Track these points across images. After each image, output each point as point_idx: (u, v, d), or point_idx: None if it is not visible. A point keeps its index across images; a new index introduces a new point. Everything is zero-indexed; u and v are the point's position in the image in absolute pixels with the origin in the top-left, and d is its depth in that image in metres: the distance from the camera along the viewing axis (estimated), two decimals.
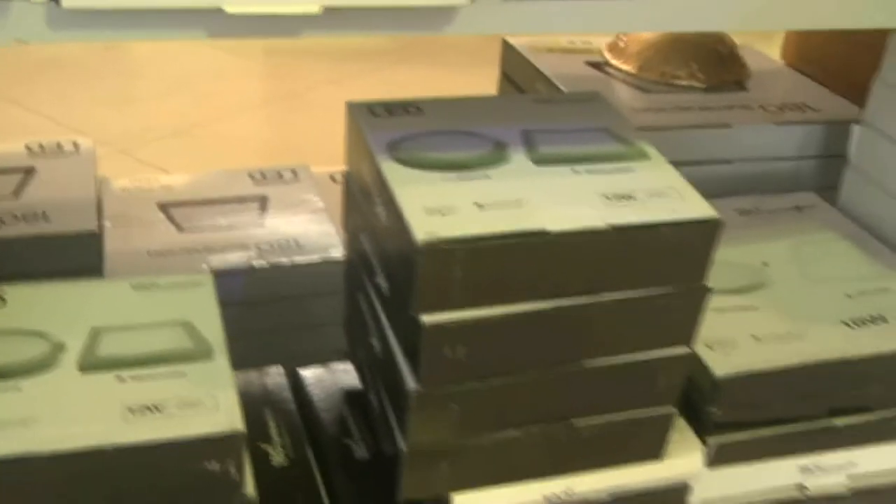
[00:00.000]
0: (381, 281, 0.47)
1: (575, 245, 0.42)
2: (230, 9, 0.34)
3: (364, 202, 0.49)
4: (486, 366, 0.44)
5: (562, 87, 0.71)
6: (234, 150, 1.28)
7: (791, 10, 0.42)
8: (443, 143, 0.47)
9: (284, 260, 0.67)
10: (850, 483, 0.56)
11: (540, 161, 0.46)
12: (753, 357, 0.51)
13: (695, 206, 0.44)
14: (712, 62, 0.75)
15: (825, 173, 0.71)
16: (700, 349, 0.51)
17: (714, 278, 0.57)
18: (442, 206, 0.42)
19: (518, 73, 0.78)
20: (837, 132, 0.69)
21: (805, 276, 0.59)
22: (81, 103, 1.39)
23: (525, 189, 0.44)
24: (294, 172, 0.79)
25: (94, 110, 1.37)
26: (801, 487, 0.56)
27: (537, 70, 0.74)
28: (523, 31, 0.38)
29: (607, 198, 0.44)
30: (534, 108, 0.52)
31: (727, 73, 0.76)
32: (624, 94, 0.73)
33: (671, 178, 0.46)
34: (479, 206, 0.42)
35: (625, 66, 0.76)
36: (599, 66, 0.77)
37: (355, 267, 0.53)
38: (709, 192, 0.68)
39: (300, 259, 0.67)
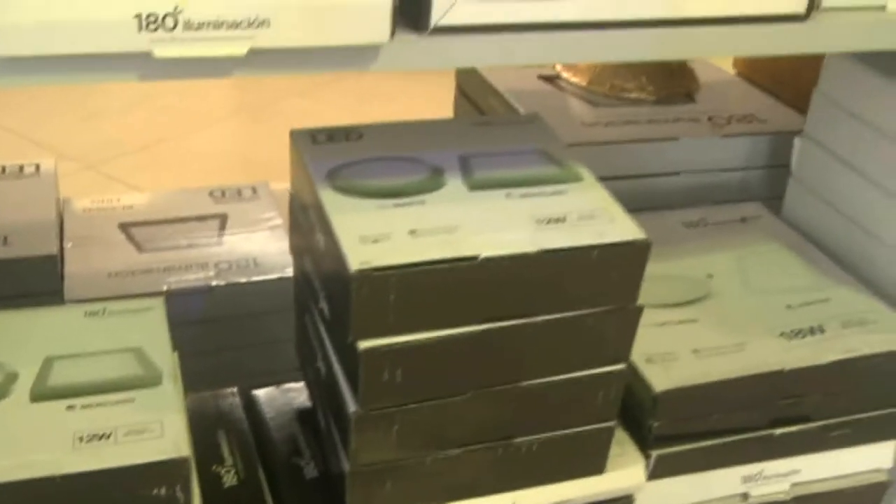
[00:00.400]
0: (324, 305, 0.48)
1: (506, 269, 0.44)
2: (159, 53, 0.36)
3: (306, 227, 0.50)
4: (424, 388, 0.45)
5: (513, 103, 0.73)
6: (201, 164, 1.29)
7: (719, 39, 0.44)
8: (381, 170, 0.48)
9: (242, 279, 0.68)
10: (793, 491, 0.58)
11: (475, 186, 0.48)
12: (693, 371, 0.53)
13: (624, 228, 0.46)
14: (662, 75, 0.77)
15: (772, 184, 0.73)
16: (641, 364, 0.53)
17: (657, 292, 0.59)
18: (377, 234, 0.43)
19: (471, 86, 0.80)
20: (784, 143, 0.71)
21: (748, 287, 0.60)
22: (47, 117, 1.40)
23: (459, 215, 0.45)
24: (254, 190, 0.81)
25: (59, 124, 1.38)
26: (745, 496, 0.57)
27: (489, 85, 0.76)
28: (443, 65, 0.39)
29: (539, 221, 0.46)
30: (472, 131, 0.53)
31: (677, 85, 0.77)
32: (574, 108, 0.74)
33: (602, 200, 0.48)
34: (413, 233, 0.44)
35: (576, 80, 0.77)
36: (552, 79, 0.78)
37: (302, 289, 0.54)
38: (656, 204, 0.71)
39: (257, 278, 0.69)
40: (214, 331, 0.69)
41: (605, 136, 0.70)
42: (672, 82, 0.77)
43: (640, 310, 0.47)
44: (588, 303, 0.46)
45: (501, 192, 0.48)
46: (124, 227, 0.75)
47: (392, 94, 1.47)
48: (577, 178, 0.50)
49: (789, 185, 0.70)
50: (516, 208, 0.46)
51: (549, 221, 0.46)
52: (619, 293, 0.46)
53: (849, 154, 0.64)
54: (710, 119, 0.74)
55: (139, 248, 0.72)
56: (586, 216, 0.46)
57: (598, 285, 0.46)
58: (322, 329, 0.50)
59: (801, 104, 0.73)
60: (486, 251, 0.43)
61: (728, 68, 0.86)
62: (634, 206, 0.68)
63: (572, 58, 0.40)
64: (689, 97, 0.77)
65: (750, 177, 0.73)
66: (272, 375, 0.64)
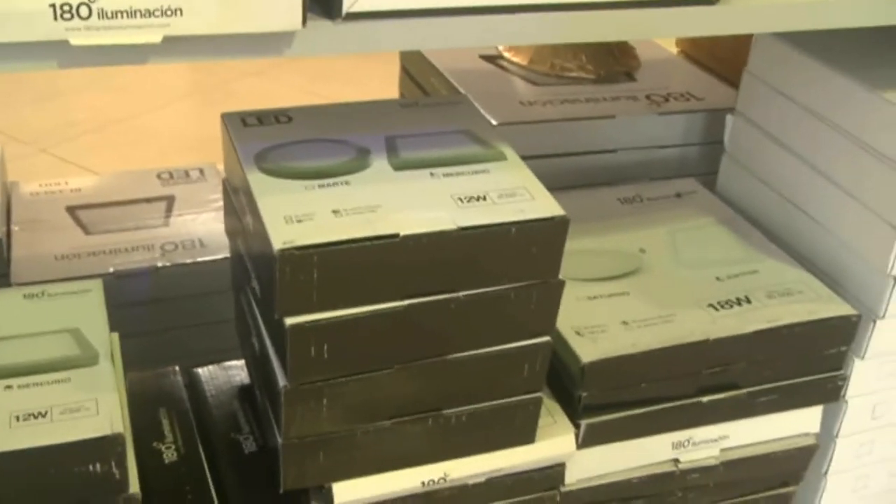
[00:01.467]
0: (255, 284, 0.50)
1: (426, 247, 0.45)
2: (75, 41, 0.37)
3: (237, 209, 0.52)
4: (351, 362, 0.47)
5: (454, 82, 0.74)
6: (155, 144, 1.30)
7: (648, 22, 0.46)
8: (308, 151, 0.50)
9: (187, 259, 0.70)
10: (722, 456, 0.61)
11: (400, 166, 0.50)
12: (621, 342, 0.55)
13: (543, 206, 0.48)
14: (602, 53, 0.78)
15: (708, 160, 0.75)
16: (570, 336, 0.55)
17: (590, 266, 0.61)
18: (301, 214, 0.45)
19: (415, 66, 0.81)
20: (720, 120, 0.73)
21: (679, 261, 0.63)
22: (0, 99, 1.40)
23: (382, 194, 0.47)
24: (201, 172, 0.82)
25: (10, 107, 1.37)
26: (675, 461, 0.60)
27: (431, 65, 0.77)
28: (358, 50, 0.41)
29: (460, 200, 0.47)
30: (400, 113, 0.55)
31: (617, 63, 0.79)
32: (515, 88, 0.76)
33: (524, 179, 0.50)
34: (336, 212, 0.46)
35: (517, 59, 0.79)
36: (493, 59, 0.80)
37: (236, 269, 0.56)
38: (594, 181, 0.73)
39: (202, 258, 0.70)
40: (160, 311, 0.70)
41: (543, 114, 0.71)
42: (612, 61, 0.79)
43: (561, 284, 0.49)
44: (509, 278, 0.48)
45: (425, 172, 0.49)
46: (71, 211, 0.76)
47: (347, 74, 1.48)
48: (500, 158, 0.51)
49: (723, 162, 0.72)
50: (438, 187, 0.48)
51: (469, 200, 0.47)
52: (540, 268, 0.48)
53: (778, 131, 0.66)
54: (648, 97, 0.76)
55: (86, 230, 0.73)
56: (507, 194, 0.48)
57: (519, 261, 0.48)
58: (255, 307, 0.51)
59: (738, 80, 0.76)
60: (406, 229, 0.45)
61: (671, 47, 0.88)
62: (572, 183, 0.71)
63: (484, 41, 0.42)
64: (629, 76, 0.79)
65: (687, 153, 0.75)
66: (218, 354, 0.66)
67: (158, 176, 0.81)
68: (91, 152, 1.26)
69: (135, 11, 0.37)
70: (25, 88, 1.42)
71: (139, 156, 1.24)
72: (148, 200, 0.77)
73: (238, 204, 0.52)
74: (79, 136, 1.31)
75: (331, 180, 0.48)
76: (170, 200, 0.77)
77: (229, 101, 1.44)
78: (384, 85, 1.01)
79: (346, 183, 0.48)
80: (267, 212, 0.45)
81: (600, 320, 0.56)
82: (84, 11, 0.37)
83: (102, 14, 0.37)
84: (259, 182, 0.47)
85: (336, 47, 0.40)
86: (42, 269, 0.68)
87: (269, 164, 0.49)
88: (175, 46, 0.38)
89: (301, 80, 1.50)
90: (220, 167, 0.84)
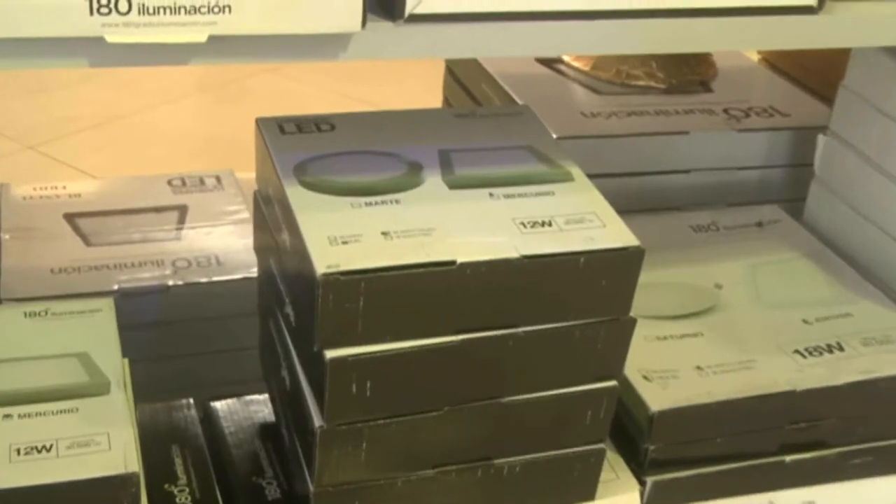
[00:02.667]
0: (289, 310, 0.51)
1: (485, 277, 0.46)
2: (111, 38, 0.39)
3: (271, 224, 0.53)
4: (396, 402, 0.48)
5: (507, 89, 0.76)
6: (159, 146, 1.31)
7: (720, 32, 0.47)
8: (353, 164, 0.51)
9: (202, 278, 0.71)
10: None
11: (455, 184, 0.51)
12: (694, 389, 0.55)
13: (616, 234, 0.49)
14: (674, 60, 0.80)
15: (794, 184, 0.76)
16: (637, 381, 0.56)
17: (659, 302, 0.62)
18: (346, 235, 0.46)
19: (462, 69, 0.83)
20: (808, 140, 0.74)
21: (760, 299, 0.63)
22: None
23: (436, 216, 0.48)
24: (218, 179, 0.83)
25: None
26: None
27: (482, 68, 0.79)
28: (421, 55, 0.42)
29: (523, 225, 0.48)
30: (454, 124, 0.56)
31: (691, 72, 0.80)
32: (575, 97, 0.77)
33: (593, 202, 0.51)
34: (386, 234, 0.47)
35: (578, 64, 0.80)
36: (551, 63, 0.81)
37: (266, 291, 0.57)
38: (663, 205, 0.74)
39: (219, 277, 0.71)
40: (171, 335, 0.71)
41: (607, 128, 0.73)
42: (686, 69, 0.80)
43: (632, 322, 0.50)
44: (575, 314, 0.49)
45: (483, 192, 0.50)
46: (70, 218, 0.77)
47: (379, 73, 1.50)
48: (566, 178, 0.53)
49: (812, 187, 0.73)
50: (499, 210, 0.49)
51: (533, 225, 0.48)
52: (609, 304, 0.49)
53: (877, 155, 0.67)
54: (726, 111, 0.77)
55: (87, 241, 0.75)
56: (575, 220, 0.49)
57: (587, 295, 0.49)
58: (287, 336, 0.52)
59: (830, 95, 0.76)
60: (463, 256, 0.46)
61: (751, 54, 0.89)
62: (638, 206, 0.72)
63: (561, 50, 0.43)
64: (704, 86, 0.80)
65: (769, 176, 0.76)
66: (234, 386, 0.67)
67: (169, 182, 0.82)
68: (87, 153, 1.28)
69: (179, 7, 0.38)
70: (15, 79, 1.45)
71: (141, 158, 1.26)
72: (157, 210, 0.79)
73: (272, 219, 0.53)
74: (73, 133, 1.33)
75: (379, 198, 0.49)
76: (182, 210, 0.79)
77: (244, 100, 1.47)
78: (425, 87, 1.03)
79: (396, 202, 0.49)
80: (308, 231, 0.47)
81: (671, 364, 0.57)
82: (123, 6, 0.38)
83: (143, 9, 0.38)
84: (299, 197, 0.49)
85: (396, 52, 0.41)
86: (37, 284, 0.69)
87: (309, 177, 0.50)
88: (221, 47, 0.40)
89: (325, 78, 1.52)
90: (239, 175, 0.86)
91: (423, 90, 1.00)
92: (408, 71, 1.46)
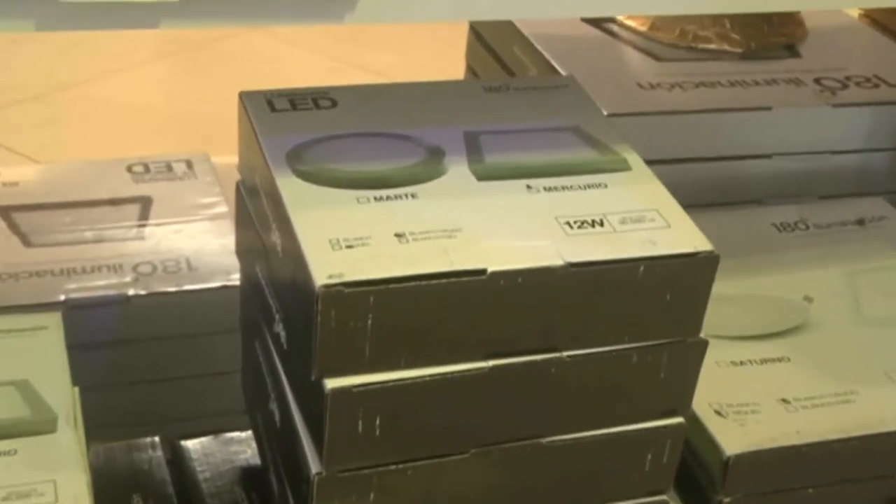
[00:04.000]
0: (280, 329, 0.52)
1: (522, 289, 0.47)
2: None
3: (258, 222, 0.54)
4: (412, 443, 0.49)
5: (546, 54, 0.76)
6: (117, 123, 1.32)
7: None
8: (360, 150, 0.52)
9: (170, 287, 0.72)
10: None
11: (485, 174, 0.51)
12: (779, 427, 0.56)
13: (683, 235, 0.49)
14: (753, 18, 0.80)
15: None
16: (707, 417, 0.56)
17: (734, 319, 0.63)
18: (352, 238, 0.47)
19: (490, 30, 0.83)
20: None
21: (861, 315, 0.64)
22: None
23: (462, 213, 0.49)
24: (189, 164, 0.84)
25: None
26: None
27: (515, 28, 0.79)
28: (447, 18, 0.42)
29: (569, 225, 0.49)
30: (483, 99, 0.56)
31: (774, 33, 0.80)
32: (630, 63, 0.77)
33: (655, 196, 0.51)
34: (400, 236, 0.47)
35: (632, 23, 0.80)
36: (600, 22, 0.81)
37: (251, 304, 0.58)
38: (739, 198, 0.74)
39: (192, 286, 0.72)
40: (131, 358, 0.72)
41: (669, 102, 0.73)
42: (768, 29, 0.80)
43: (703, 344, 0.50)
44: (633, 334, 0.49)
45: (520, 184, 0.51)
46: (5, 212, 0.78)
47: (386, 34, 1.51)
48: (622, 166, 0.53)
49: None
50: (539, 206, 0.50)
51: (581, 224, 0.49)
52: (675, 322, 0.50)
53: None
54: (817, 81, 0.77)
55: (26, 241, 0.75)
56: (632, 218, 0.49)
57: (647, 311, 0.49)
58: (277, 360, 0.53)
59: None
60: (495, 264, 0.46)
61: (850, 10, 0.89)
62: (709, 200, 0.72)
63: (617, 9, 0.43)
64: (790, 49, 0.80)
65: (871, 162, 0.76)
66: (210, 420, 0.67)
67: (129, 169, 0.83)
68: (25, 130, 1.29)
69: None
70: None
71: (93, 138, 1.26)
72: (114, 202, 0.80)
73: (259, 215, 0.54)
74: (7, 106, 1.34)
75: (392, 191, 0.50)
76: (145, 203, 0.80)
77: (220, 66, 1.47)
78: (442, 51, 1.03)
79: (413, 196, 0.49)
80: (305, 232, 0.47)
81: (750, 396, 0.57)
82: None
83: None
84: (293, 189, 0.49)
85: (416, 13, 0.42)
86: None
87: (306, 165, 0.51)
88: (197, 7, 0.40)
89: (322, 39, 1.52)
90: (216, 159, 0.86)
91: (440, 55, 1.01)
92: (420, 30, 1.46)
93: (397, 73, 1.43)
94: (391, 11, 0.42)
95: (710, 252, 0.49)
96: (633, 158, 0.54)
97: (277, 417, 0.53)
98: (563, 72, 0.73)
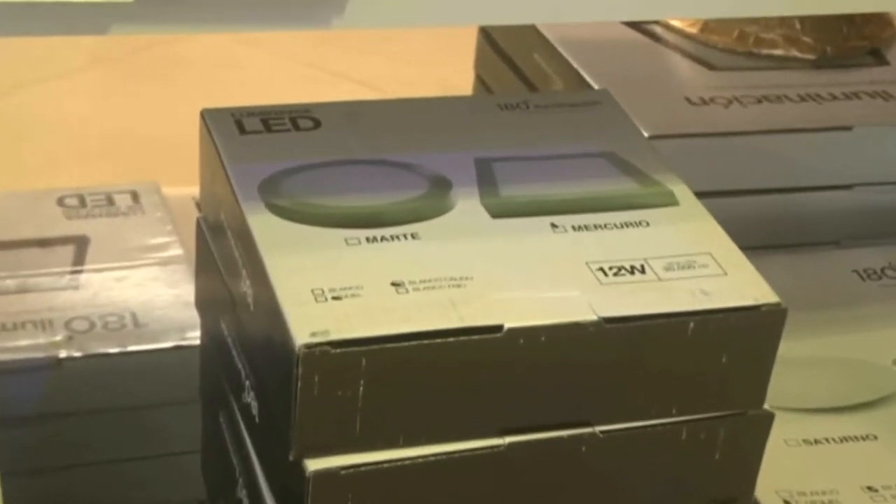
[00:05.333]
0: (251, 399, 0.53)
1: (546, 350, 0.48)
2: None
3: (225, 269, 0.55)
4: None
5: (573, 62, 0.78)
6: (45, 144, 1.32)
7: None
8: (348, 180, 0.54)
9: (112, 348, 0.73)
10: None
11: (500, 210, 0.53)
12: None
13: (742, 284, 0.51)
14: (830, 17, 0.81)
15: None
16: None
17: (808, 388, 0.64)
18: (340, 287, 0.48)
19: (505, 33, 0.84)
20: None
21: None
22: None
23: (473, 258, 0.50)
24: (134, 196, 0.85)
25: None
26: None
27: (536, 31, 0.81)
28: (444, 21, 0.44)
29: (603, 272, 0.50)
30: (498, 118, 0.58)
31: (856, 34, 0.82)
32: (679, 73, 0.79)
33: (707, 236, 0.53)
34: (399, 286, 0.48)
35: (681, 24, 0.82)
36: (640, 22, 0.83)
37: (214, 369, 0.59)
38: (812, 238, 0.75)
39: (139, 346, 0.73)
40: (63, 435, 0.73)
41: (726, 121, 0.74)
42: (848, 30, 0.82)
43: (769, 418, 0.52)
44: (681, 406, 0.50)
45: (543, 222, 0.52)
46: None
47: (377, 35, 1.51)
48: (667, 200, 0.54)
49: None
50: (566, 248, 0.51)
51: (618, 271, 0.50)
52: (733, 391, 0.51)
53: None
54: None
55: None
56: (680, 264, 0.51)
57: (699, 377, 0.50)
58: (247, 437, 0.54)
59: None
60: (513, 319, 0.48)
61: None
62: (773, 241, 0.74)
63: (659, 13, 0.45)
64: (875, 55, 0.82)
65: None
66: None
67: (61, 202, 0.84)
68: None
69: None
70: None
71: (15, 163, 1.27)
72: (43, 243, 0.81)
73: (225, 259, 0.55)
74: None
75: (388, 231, 0.51)
76: (81, 244, 0.81)
77: (172, 74, 1.47)
78: (443, 57, 1.04)
79: (414, 236, 0.51)
80: (282, 280, 0.48)
81: (828, 482, 0.59)
82: None
83: None
84: (268, 228, 0.51)
85: (419, 15, 0.44)
86: None
87: (284, 199, 0.52)
88: (157, 10, 0.42)
89: (296, 42, 1.53)
90: (167, 190, 0.88)
91: (441, 61, 1.02)
92: (415, 30, 1.48)
93: (388, 84, 1.43)
94: (389, 14, 0.44)
95: (777, 305, 0.50)
96: (681, 190, 0.55)
97: None
98: (594, 84, 0.75)
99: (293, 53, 1.53)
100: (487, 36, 0.88)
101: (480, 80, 0.90)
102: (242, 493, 0.55)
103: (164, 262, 0.79)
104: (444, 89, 0.96)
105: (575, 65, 0.78)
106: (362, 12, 0.44)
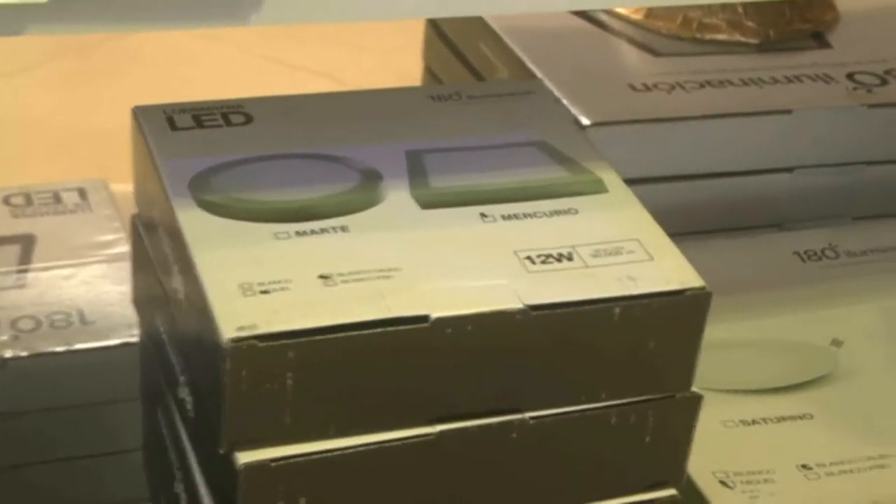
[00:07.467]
0: (185, 394, 0.54)
1: (474, 339, 0.49)
2: None
3: (158, 266, 0.56)
4: None
5: (519, 53, 0.78)
6: None
7: None
8: (279, 175, 0.54)
9: (59, 346, 0.73)
10: None
11: (430, 201, 0.54)
12: (798, 499, 0.58)
13: (669, 270, 0.52)
14: (772, 1, 0.82)
15: None
16: (711, 489, 0.58)
17: (745, 369, 0.65)
18: (268, 281, 0.49)
19: (451, 23, 0.85)
20: None
21: None
22: None
23: (402, 249, 0.51)
24: (82, 194, 0.86)
25: None
26: None
27: (482, 20, 0.81)
28: (376, 17, 0.45)
29: (531, 260, 0.51)
30: (429, 110, 0.59)
31: (798, 18, 0.83)
32: (621, 59, 0.80)
33: (636, 223, 0.54)
34: (327, 278, 0.49)
35: (627, 11, 0.83)
36: (585, 10, 0.83)
37: (152, 366, 0.60)
38: (754, 222, 0.76)
39: (85, 344, 0.73)
40: (10, 433, 0.73)
41: (669, 107, 0.75)
42: (790, 14, 0.82)
43: (697, 400, 0.53)
44: (610, 390, 0.51)
45: (472, 212, 0.53)
46: None
47: (326, 28, 1.51)
48: (596, 188, 0.55)
49: None
50: (495, 238, 0.52)
51: (545, 259, 0.51)
52: (661, 374, 0.52)
53: None
54: (851, 77, 0.79)
55: None
56: (607, 251, 0.52)
57: (627, 362, 0.51)
58: (182, 432, 0.55)
59: None
60: (441, 309, 0.49)
61: None
62: (716, 224, 0.75)
63: (605, 2, 0.45)
64: (818, 38, 0.83)
65: None
66: None
67: (6, 200, 0.84)
68: None
69: None
70: None
71: None
72: None
73: (158, 257, 0.56)
74: None
75: (317, 224, 0.52)
76: (27, 243, 0.81)
77: (121, 69, 1.47)
78: (397, 48, 1.05)
79: (343, 229, 0.52)
80: (211, 275, 0.49)
81: (764, 462, 0.59)
82: None
83: None
84: (198, 224, 0.52)
85: (338, 12, 0.44)
86: None
87: (214, 194, 0.53)
88: (73, 10, 0.43)
89: (254, 36, 1.53)
90: (116, 187, 0.88)
91: (403, 51, 1.02)
92: (375, 27, 1.48)
93: (348, 75, 1.43)
94: (305, 9, 0.45)
95: (701, 289, 0.51)
96: (611, 178, 0.56)
97: (184, 501, 0.55)
98: (538, 72, 0.76)
99: (251, 47, 1.53)
100: (436, 26, 0.88)
101: (429, 71, 0.91)
102: (180, 488, 0.56)
103: (112, 260, 0.79)
104: (404, 80, 0.96)
105: (519, 54, 0.78)
106: (279, 8, 0.45)
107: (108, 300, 0.76)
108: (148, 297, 0.60)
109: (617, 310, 0.50)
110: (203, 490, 0.53)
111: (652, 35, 0.82)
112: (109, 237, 0.81)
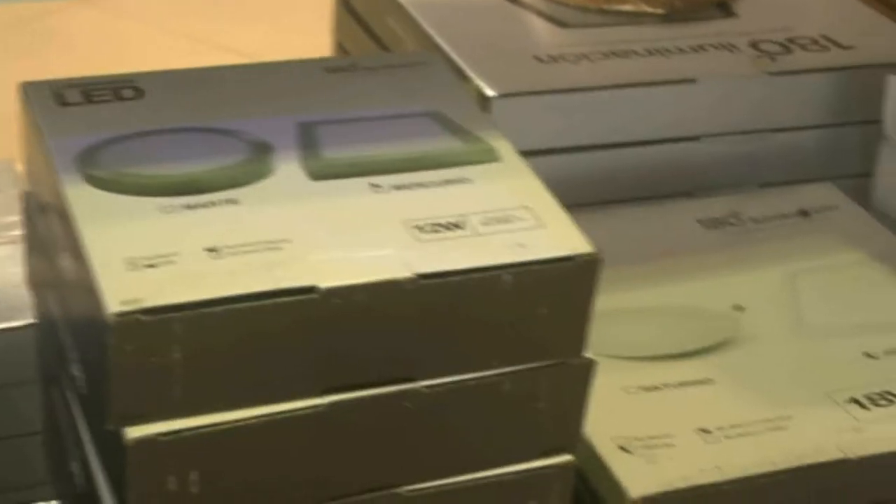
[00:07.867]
0: (77, 371, 0.54)
1: (363, 308, 0.49)
2: None
3: (48, 244, 0.56)
4: (238, 502, 0.50)
5: (425, 25, 0.78)
6: None
7: None
8: (168, 149, 0.54)
9: None
10: None
11: (321, 172, 0.54)
12: (697, 463, 0.58)
13: (558, 236, 0.52)
14: None
15: (858, 151, 0.79)
16: (610, 454, 0.58)
17: (647, 336, 0.65)
18: (154, 255, 0.49)
19: None
20: (879, 84, 0.76)
21: (802, 325, 0.67)
22: None
23: (292, 221, 0.51)
24: None
25: None
26: None
27: None
28: None
29: (420, 229, 0.51)
30: (324, 82, 0.59)
31: None
32: (528, 31, 0.80)
33: (526, 192, 0.54)
34: (215, 251, 0.49)
35: None
36: None
37: (47, 345, 0.59)
38: (660, 190, 0.77)
39: None
40: None
41: (574, 78, 0.75)
42: None
43: (590, 365, 0.53)
44: (502, 358, 0.52)
45: (362, 182, 0.53)
46: None
47: (262, 4, 1.51)
48: (489, 157, 0.56)
49: (881, 155, 0.76)
50: (385, 208, 0.52)
51: (435, 229, 0.51)
52: (553, 340, 0.52)
53: None
54: (754, 45, 0.80)
55: None
56: (498, 218, 0.52)
57: (518, 329, 0.51)
58: (76, 410, 0.55)
59: None
60: (329, 279, 0.49)
61: None
62: (621, 194, 0.75)
63: None
64: (722, 8, 0.84)
65: (820, 142, 0.79)
66: (13, 494, 0.68)
67: None
68: None
69: None
70: None
71: None
72: None
73: (48, 235, 0.56)
74: None
75: (206, 197, 0.52)
76: None
77: (44, 50, 1.46)
78: (306, 25, 1.05)
79: (232, 202, 0.52)
80: (97, 251, 0.49)
81: (663, 427, 0.60)
82: None
83: None
84: (85, 200, 0.51)
85: None
86: None
87: (101, 169, 0.53)
88: None
89: (177, 14, 1.52)
90: (22, 167, 0.87)
91: (309, 30, 1.03)
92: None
93: (273, 55, 1.43)
94: None
95: (591, 254, 0.51)
96: (504, 147, 0.56)
97: (78, 480, 0.55)
98: (445, 45, 0.76)
99: (174, 27, 1.52)
100: (345, 2, 0.89)
101: (340, 46, 0.91)
102: (75, 467, 0.56)
103: (17, 241, 0.79)
104: (311, 54, 0.97)
105: (426, 27, 0.79)
106: None
107: (15, 281, 0.75)
108: (41, 276, 0.59)
109: (507, 277, 0.50)
110: (95, 466, 0.53)
111: (560, 7, 0.83)
112: (15, 218, 0.80)
